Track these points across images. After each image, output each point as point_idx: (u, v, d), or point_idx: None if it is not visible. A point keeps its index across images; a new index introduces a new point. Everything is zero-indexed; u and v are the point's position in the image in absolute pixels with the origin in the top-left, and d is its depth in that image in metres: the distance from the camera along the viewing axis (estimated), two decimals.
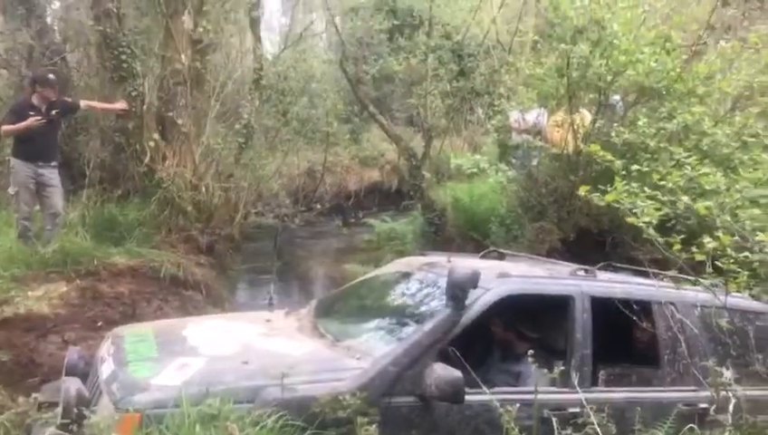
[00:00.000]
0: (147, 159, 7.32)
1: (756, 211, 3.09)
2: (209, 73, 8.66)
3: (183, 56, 7.70)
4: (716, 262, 3.03)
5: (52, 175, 6.51)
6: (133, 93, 7.22)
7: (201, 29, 7.91)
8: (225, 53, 10.10)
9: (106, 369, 3.44)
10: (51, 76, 6.56)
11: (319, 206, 12.13)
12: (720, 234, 2.91)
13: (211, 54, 8.74)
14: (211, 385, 3.01)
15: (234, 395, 2.96)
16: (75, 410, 2.93)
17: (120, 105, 7.23)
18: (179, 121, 7.59)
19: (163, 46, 7.89)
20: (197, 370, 3.26)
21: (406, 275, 4.56)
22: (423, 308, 4.01)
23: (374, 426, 2.87)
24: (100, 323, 5.63)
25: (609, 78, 6.53)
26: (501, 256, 5.11)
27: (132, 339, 3.78)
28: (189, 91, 7.79)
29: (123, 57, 7.19)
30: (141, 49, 8.17)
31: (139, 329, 4.13)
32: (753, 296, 3.33)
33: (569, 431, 2.98)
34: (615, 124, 6.58)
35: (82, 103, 7.01)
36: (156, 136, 7.44)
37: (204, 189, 7.57)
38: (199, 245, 7.48)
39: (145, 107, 7.37)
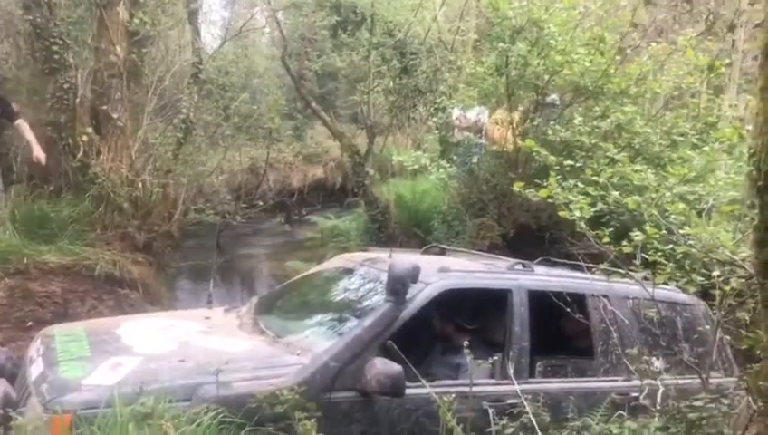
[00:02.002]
0: (80, 154, 7.03)
1: (682, 206, 3.22)
2: (146, 66, 8.41)
3: (118, 48, 7.45)
4: (645, 255, 3.15)
5: None
6: (65, 86, 6.94)
7: (137, 20, 7.67)
8: (164, 46, 9.83)
9: (35, 369, 3.33)
10: None
11: (261, 203, 11.93)
12: (648, 227, 3.02)
13: (148, 47, 8.49)
14: (146, 384, 2.95)
15: (170, 394, 2.91)
16: (1, 412, 2.82)
17: (40, 156, 6.46)
18: (114, 115, 7.35)
19: (97, 37, 7.60)
20: (132, 369, 3.19)
21: (347, 271, 4.57)
22: (364, 303, 4.02)
23: (312, 421, 2.86)
24: (30, 323, 5.43)
25: (546, 77, 6.70)
26: (442, 252, 5.17)
27: (63, 338, 3.66)
28: (125, 84, 7.55)
29: (55, 48, 6.90)
30: (74, 40, 7.86)
31: (71, 328, 4.01)
32: (679, 288, 3.47)
33: (505, 421, 3.04)
34: (551, 122, 6.75)
35: (20, 122, 6.52)
36: (89, 130, 7.17)
37: (141, 185, 7.35)
38: (136, 242, 7.26)
39: (78, 100, 7.10)
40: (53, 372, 3.20)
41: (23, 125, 6.47)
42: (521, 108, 7.34)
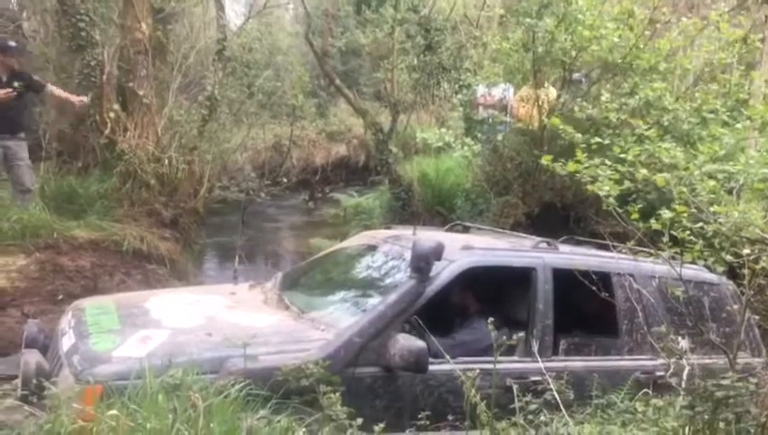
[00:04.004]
0: (107, 131, 7.14)
1: (712, 183, 3.16)
2: (171, 43, 8.46)
3: (143, 25, 7.50)
4: (673, 233, 3.11)
5: (18, 148, 6.38)
6: (92, 62, 7.02)
7: None
8: (188, 23, 9.86)
9: (67, 341, 3.41)
10: (11, 43, 6.35)
11: (285, 180, 11.99)
12: (677, 205, 2.98)
13: (173, 24, 8.53)
14: (174, 356, 3.01)
15: (198, 366, 2.97)
16: (34, 382, 2.89)
17: (80, 98, 6.76)
18: (141, 92, 7.41)
19: (123, 14, 7.66)
20: (160, 342, 3.25)
21: (371, 248, 4.59)
22: (388, 280, 4.04)
23: (337, 394, 2.89)
24: (60, 297, 5.53)
25: (573, 53, 6.58)
26: (465, 230, 5.17)
27: (93, 311, 3.74)
28: (151, 61, 7.60)
29: (81, 25, 6.97)
30: (101, 17, 7.90)
31: (101, 301, 4.08)
32: (707, 267, 3.42)
33: (528, 398, 3.04)
34: (579, 99, 6.64)
35: (48, 87, 6.68)
36: (116, 107, 7.26)
37: (167, 162, 7.43)
38: (163, 218, 7.35)
39: (104, 77, 7.17)
40: (85, 343, 3.27)
41: (52, 89, 6.59)
42: (548, 85, 7.24)
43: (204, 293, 4.52)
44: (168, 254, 7.04)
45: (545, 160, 3.40)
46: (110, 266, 6.26)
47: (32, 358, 3.17)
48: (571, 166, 3.16)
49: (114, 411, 2.53)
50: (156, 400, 2.62)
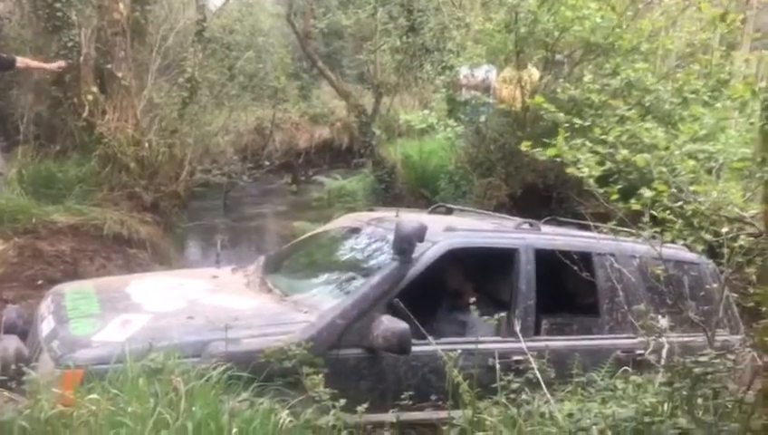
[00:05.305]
0: (85, 114, 7.03)
1: (692, 163, 3.18)
2: (150, 25, 8.31)
3: (121, 5, 7.35)
4: (653, 212, 3.13)
5: None
6: (69, 44, 6.90)
7: None
8: (167, 4, 9.69)
9: (46, 326, 3.38)
10: None
11: (268, 163, 11.94)
12: (657, 185, 3.00)
13: (151, 4, 8.36)
14: (155, 341, 2.99)
15: (179, 350, 2.95)
16: (14, 368, 2.86)
17: (58, 64, 6.77)
18: (119, 74, 7.28)
19: None
20: (141, 326, 3.23)
21: (354, 230, 4.58)
22: (371, 262, 4.04)
23: (320, 376, 2.90)
24: (40, 282, 5.49)
25: (556, 34, 6.57)
26: (449, 211, 5.17)
27: (73, 296, 3.71)
28: (129, 42, 7.47)
29: (57, 5, 6.85)
30: None
31: (81, 286, 4.05)
32: (687, 246, 3.45)
33: (511, 377, 3.07)
34: (561, 80, 6.64)
35: (18, 60, 6.59)
36: (94, 89, 7.14)
37: (147, 145, 7.34)
38: (143, 202, 7.28)
39: (82, 58, 7.04)
40: (64, 328, 3.25)
41: (24, 61, 6.49)
42: (530, 66, 7.22)
43: (186, 277, 4.49)
44: (149, 238, 6.97)
45: (525, 146, 3.39)
46: (91, 251, 6.21)
47: (11, 343, 3.13)
48: (551, 151, 3.16)
49: (94, 396, 2.52)
50: (137, 384, 2.61)
